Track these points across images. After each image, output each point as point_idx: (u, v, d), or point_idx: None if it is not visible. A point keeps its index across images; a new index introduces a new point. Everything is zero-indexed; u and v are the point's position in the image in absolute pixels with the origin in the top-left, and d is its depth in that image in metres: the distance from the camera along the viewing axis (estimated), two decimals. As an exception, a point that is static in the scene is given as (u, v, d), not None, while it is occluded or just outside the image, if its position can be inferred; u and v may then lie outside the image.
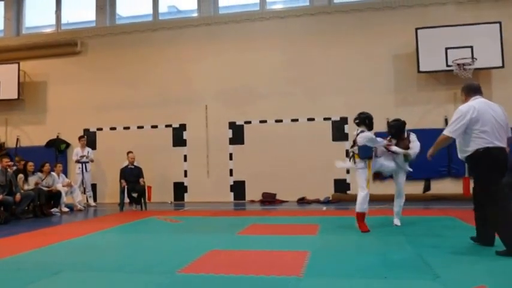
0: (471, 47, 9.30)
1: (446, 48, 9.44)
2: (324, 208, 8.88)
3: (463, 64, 9.18)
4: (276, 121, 10.52)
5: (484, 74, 9.67)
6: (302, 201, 9.98)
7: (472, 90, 4.47)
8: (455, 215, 6.78)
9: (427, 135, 9.98)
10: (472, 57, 9.21)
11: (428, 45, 9.56)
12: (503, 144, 4.24)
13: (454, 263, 3.91)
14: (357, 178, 5.64)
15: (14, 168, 8.73)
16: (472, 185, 4.74)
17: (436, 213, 7.34)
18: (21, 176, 8.55)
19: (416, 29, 9.70)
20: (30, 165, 8.79)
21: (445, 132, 4.39)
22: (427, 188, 9.49)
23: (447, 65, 9.43)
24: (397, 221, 5.97)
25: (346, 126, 10.30)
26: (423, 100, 9.97)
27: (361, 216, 5.57)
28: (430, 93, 10.00)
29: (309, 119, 10.48)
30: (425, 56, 9.57)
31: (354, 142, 5.60)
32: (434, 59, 9.50)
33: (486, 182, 4.24)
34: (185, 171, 11.02)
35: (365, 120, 5.63)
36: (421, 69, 9.68)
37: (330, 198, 9.95)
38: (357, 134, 5.60)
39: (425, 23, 9.76)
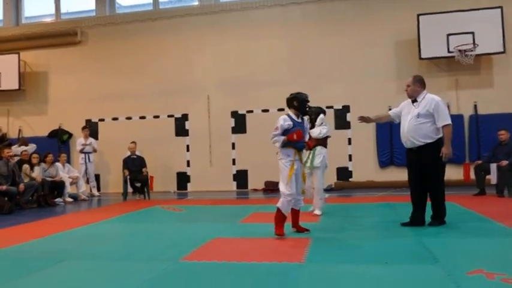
0: (472, 32, 9.23)
1: (448, 35, 9.37)
2: (327, 196, 8.89)
3: (465, 50, 9.13)
4: (279, 110, 10.48)
5: (485, 59, 9.62)
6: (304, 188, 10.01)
7: (424, 84, 4.95)
8: (455, 201, 6.82)
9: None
10: (474, 43, 9.15)
11: (429, 31, 9.48)
12: None
13: (453, 248, 3.97)
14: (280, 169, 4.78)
15: (17, 158, 8.79)
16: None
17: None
18: (26, 166, 8.60)
19: (418, 15, 9.61)
20: (35, 157, 8.85)
21: (450, 122, 4.82)
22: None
23: (448, 51, 9.38)
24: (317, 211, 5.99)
25: (348, 114, 10.29)
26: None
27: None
28: (431, 79, 9.84)
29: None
30: (427, 42, 9.51)
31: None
32: (435, 46, 9.44)
33: (442, 164, 4.89)
34: (188, 161, 11.06)
35: (292, 102, 4.75)
36: (423, 55, 9.62)
37: (333, 186, 9.99)
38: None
39: (427, 9, 9.67)
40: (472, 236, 4.47)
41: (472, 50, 9.09)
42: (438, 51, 9.47)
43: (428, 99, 4.87)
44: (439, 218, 4.90)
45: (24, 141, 10.49)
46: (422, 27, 9.56)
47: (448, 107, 9.72)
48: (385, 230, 4.87)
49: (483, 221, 5.30)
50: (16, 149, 9.82)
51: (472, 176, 8.35)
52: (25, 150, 9.25)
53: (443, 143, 4.80)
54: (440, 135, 4.82)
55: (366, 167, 10.11)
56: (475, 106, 9.75)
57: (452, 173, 9.63)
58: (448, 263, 3.40)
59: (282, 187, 4.61)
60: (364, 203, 7.48)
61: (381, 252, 3.89)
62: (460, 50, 9.14)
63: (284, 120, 4.64)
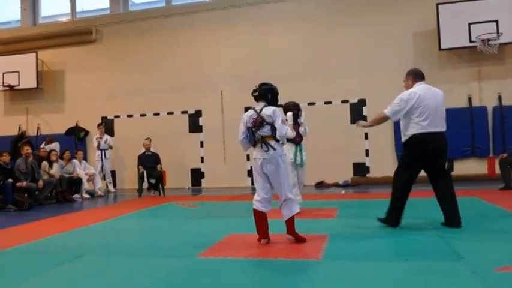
0: (496, 21, 8.90)
1: (470, 24, 9.06)
2: (343, 192, 8.78)
3: (488, 39, 8.81)
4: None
5: (510, 48, 9.28)
6: (320, 185, 9.90)
7: (418, 76, 4.62)
8: (480, 196, 6.61)
9: (451, 115, 9.75)
10: (497, 32, 8.82)
11: (450, 21, 9.19)
12: (440, 129, 4.48)
13: (478, 244, 3.80)
14: (280, 167, 4.10)
15: (34, 153, 8.93)
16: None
17: (459, 194, 7.02)
18: (45, 163, 8.74)
19: (438, 5, 9.33)
20: (54, 154, 8.97)
21: (386, 112, 4.54)
22: (449, 168, 9.26)
23: (470, 41, 9.07)
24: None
25: (364, 108, 10.09)
26: (445, 79, 9.62)
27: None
28: (452, 71, 9.66)
29: (326, 102, 10.31)
30: (447, 32, 9.22)
31: (262, 120, 4.05)
32: (456, 36, 9.14)
33: (404, 162, 4.57)
34: (202, 157, 11.05)
35: (263, 92, 4.19)
36: (443, 46, 9.34)
37: (349, 182, 9.84)
38: (260, 110, 4.09)
39: (447, -2, 9.38)
40: (497, 232, 4.30)
41: (495, 39, 8.77)
42: (459, 41, 9.18)
43: None
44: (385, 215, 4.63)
45: (51, 140, 10.69)
46: (442, 16, 9.27)
47: (470, 99, 9.52)
48: (403, 227, 4.71)
49: (509, 216, 5.10)
50: (47, 146, 10.11)
51: (497, 170, 8.09)
52: (54, 150, 9.38)
53: (415, 142, 4.42)
54: (412, 132, 4.42)
55: (384, 163, 9.89)
56: (499, 97, 9.42)
57: (476, 167, 9.39)
58: (473, 260, 3.26)
59: (291, 193, 4.10)
60: (382, 199, 7.28)
61: (400, 249, 3.77)
62: (482, 40, 8.82)
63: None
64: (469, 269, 3.06)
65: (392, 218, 4.58)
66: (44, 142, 10.72)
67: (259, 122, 4.03)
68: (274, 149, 4.00)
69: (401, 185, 4.57)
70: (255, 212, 4.09)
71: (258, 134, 4.04)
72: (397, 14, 9.90)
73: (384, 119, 4.63)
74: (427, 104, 4.41)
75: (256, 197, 4.12)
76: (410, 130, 4.45)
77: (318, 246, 3.87)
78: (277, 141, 4.03)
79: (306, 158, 5.87)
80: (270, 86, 4.23)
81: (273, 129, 3.99)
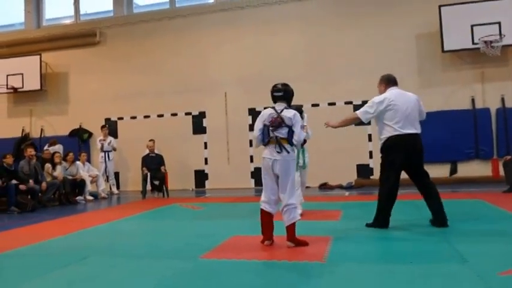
0: (499, 23, 8.90)
1: (472, 26, 9.05)
2: (347, 193, 8.77)
3: (491, 41, 8.80)
4: (296, 106, 10.40)
5: (513, 50, 9.26)
6: (324, 186, 9.89)
7: (390, 82, 4.87)
8: (484, 198, 6.58)
9: (454, 117, 9.78)
10: (500, 34, 8.80)
11: (452, 23, 9.19)
12: (413, 130, 4.57)
13: (482, 248, 3.78)
14: (290, 171, 4.04)
15: (37, 156, 8.95)
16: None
17: (463, 197, 7.14)
18: (48, 165, 8.76)
19: (440, 6, 9.32)
20: (57, 156, 9.00)
21: (358, 113, 4.73)
22: (453, 170, 9.25)
23: (473, 43, 9.06)
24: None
25: (367, 109, 10.07)
26: (448, 80, 9.63)
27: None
28: (455, 73, 9.65)
29: (329, 104, 10.30)
30: (450, 34, 9.21)
31: (282, 121, 3.97)
32: (459, 37, 9.14)
33: (387, 165, 4.64)
34: (205, 159, 11.07)
35: (289, 95, 4.15)
36: (446, 48, 9.33)
37: (353, 184, 9.82)
38: (281, 111, 4.02)
39: (449, 0, 9.37)
40: (501, 234, 4.27)
41: (498, 41, 8.76)
42: (462, 43, 9.17)
43: None
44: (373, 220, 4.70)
45: (55, 142, 10.74)
46: (445, 18, 9.27)
47: (473, 100, 9.49)
48: (408, 229, 4.70)
49: (513, 219, 5.06)
50: (50, 148, 10.15)
51: (501, 172, 8.06)
52: (58, 152, 9.42)
53: (391, 143, 4.56)
54: (386, 135, 4.58)
55: (387, 164, 9.87)
56: (503, 99, 9.38)
57: (480, 169, 9.36)
58: (478, 263, 3.24)
59: (296, 197, 4.05)
60: (386, 200, 7.29)
61: (405, 252, 3.75)
62: (485, 41, 8.81)
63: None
64: (474, 272, 3.05)
65: (380, 221, 4.67)
66: (47, 144, 10.77)
67: (278, 122, 3.96)
68: (288, 152, 3.97)
69: (387, 190, 4.68)
70: (263, 212, 4.07)
71: (274, 134, 3.99)
72: (400, 16, 9.90)
73: (354, 119, 4.81)
74: (398, 108, 4.57)
75: (263, 197, 4.10)
76: (384, 133, 4.63)
77: (322, 249, 3.86)
78: (291, 144, 4.00)
79: (308, 160, 5.91)
80: (291, 88, 4.19)
81: (290, 132, 3.96)
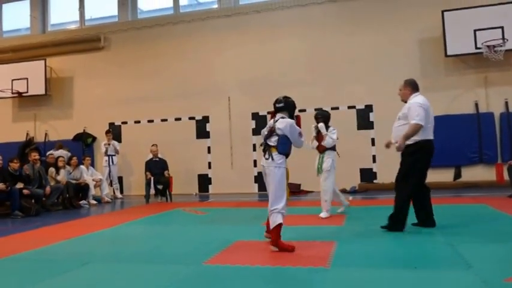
0: (502, 27, 8.89)
1: (475, 30, 9.04)
2: (350, 198, 8.73)
3: (494, 46, 8.79)
4: (300, 111, 10.34)
5: (516, 55, 9.23)
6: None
7: (416, 87, 4.88)
8: (488, 203, 6.54)
9: (457, 121, 9.74)
10: (503, 38, 8.79)
11: (455, 27, 9.19)
12: (432, 137, 4.75)
13: (487, 253, 3.77)
14: (275, 178, 4.17)
15: (42, 159, 9.00)
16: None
17: (467, 201, 7.11)
18: (52, 169, 8.80)
19: (443, 12, 9.33)
20: (61, 160, 9.04)
21: (418, 122, 4.56)
22: (457, 175, 9.21)
23: (476, 48, 9.05)
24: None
25: (371, 114, 10.08)
26: (452, 85, 9.62)
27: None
28: (458, 77, 9.64)
29: (332, 108, 10.26)
30: (453, 39, 9.22)
31: (271, 131, 4.21)
32: (462, 42, 9.14)
33: (415, 169, 4.66)
34: (209, 163, 11.08)
35: (290, 106, 4.34)
36: (449, 53, 9.33)
37: (356, 188, 9.80)
38: (276, 121, 4.24)
39: (452, 5, 9.38)
40: (506, 240, 4.24)
41: (501, 46, 8.75)
42: (465, 48, 9.16)
43: (409, 101, 4.79)
44: (389, 221, 4.72)
45: (61, 146, 10.78)
46: (448, 23, 9.27)
47: (477, 105, 9.47)
48: (413, 234, 4.68)
49: (518, 224, 5.03)
50: (55, 152, 10.20)
51: (506, 176, 8.02)
52: (61, 156, 9.45)
53: (421, 146, 4.63)
54: (421, 138, 4.61)
55: (391, 168, 9.75)
56: (506, 103, 9.36)
57: (484, 173, 9.31)
58: (482, 269, 3.22)
59: (281, 203, 4.10)
60: (390, 205, 7.24)
61: (410, 257, 3.74)
62: (488, 46, 8.80)
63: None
64: (479, 278, 3.03)
65: (398, 224, 4.68)
66: (54, 148, 10.81)
67: (269, 131, 4.23)
68: (273, 159, 4.15)
69: (409, 194, 4.69)
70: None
71: (266, 142, 4.24)
72: (403, 21, 9.91)
73: (418, 129, 4.57)
74: (430, 114, 4.70)
75: None
76: (415, 136, 4.59)
77: (326, 254, 3.85)
78: (279, 152, 4.17)
79: (326, 165, 6.01)
80: (292, 100, 4.39)
81: (279, 140, 4.14)
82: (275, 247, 4.09)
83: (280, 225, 4.09)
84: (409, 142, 4.64)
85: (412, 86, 4.89)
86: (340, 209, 6.30)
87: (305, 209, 7.20)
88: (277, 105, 4.34)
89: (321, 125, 6.05)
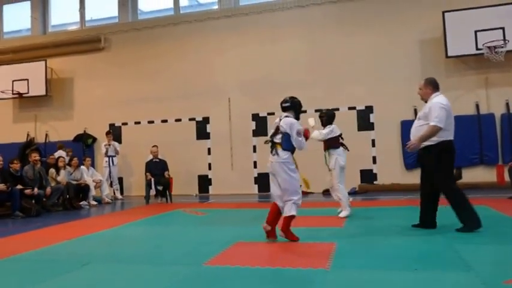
0: (503, 28, 8.89)
1: (476, 31, 9.05)
2: (350, 199, 8.68)
3: (494, 47, 8.79)
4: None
5: (517, 56, 9.23)
6: (328, 192, 9.81)
7: (437, 86, 4.80)
8: (489, 204, 6.53)
9: (458, 122, 9.68)
10: (504, 39, 8.79)
11: (456, 28, 9.20)
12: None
13: (487, 255, 3.77)
14: (281, 172, 4.50)
15: (42, 160, 9.00)
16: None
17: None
18: (52, 170, 8.80)
19: (444, 12, 9.33)
20: (61, 161, 9.04)
21: (437, 124, 4.50)
22: (458, 176, 9.18)
23: (477, 49, 9.06)
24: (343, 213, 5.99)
25: (371, 115, 10.08)
26: (452, 86, 9.58)
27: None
28: (459, 78, 9.63)
29: (333, 109, 10.26)
30: (454, 40, 9.22)
31: (277, 129, 4.57)
32: (463, 43, 9.14)
33: (447, 170, 4.66)
34: (209, 164, 11.08)
35: (296, 105, 4.68)
36: (450, 54, 9.33)
37: (356, 189, 9.79)
38: (281, 120, 4.61)
39: (453, 6, 9.38)
40: (507, 242, 4.24)
41: (502, 46, 8.75)
42: (466, 49, 9.17)
43: (431, 101, 4.72)
44: (462, 224, 4.67)
45: (62, 146, 10.79)
46: (448, 24, 9.27)
47: (477, 106, 9.46)
48: (413, 235, 4.68)
49: (519, 225, 5.02)
50: (57, 152, 10.19)
51: (506, 178, 8.01)
52: (62, 156, 9.45)
53: (445, 147, 4.61)
54: (441, 139, 4.58)
55: (391, 169, 9.85)
56: (507, 104, 9.36)
57: (485, 175, 9.31)
58: (483, 271, 3.22)
59: (297, 195, 4.45)
60: (390, 206, 7.28)
61: (410, 258, 3.73)
62: (489, 47, 8.80)
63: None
64: (479, 280, 3.02)
65: (474, 222, 4.59)
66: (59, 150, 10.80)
67: (275, 129, 4.59)
68: (278, 155, 4.48)
69: (461, 195, 4.63)
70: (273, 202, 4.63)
71: (272, 140, 4.59)
72: (404, 22, 9.92)
73: (436, 131, 4.54)
74: (451, 114, 4.66)
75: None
76: (438, 136, 4.57)
77: (326, 255, 3.85)
78: (283, 149, 4.48)
79: (331, 164, 6.06)
80: (298, 100, 4.73)
81: (284, 138, 4.48)
82: (283, 233, 4.40)
83: (293, 216, 4.39)
84: (429, 143, 4.59)
85: (433, 85, 4.80)
86: (340, 211, 6.16)
87: (305, 210, 7.18)
88: (283, 104, 4.67)
89: (310, 119, 6.09)
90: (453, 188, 4.67)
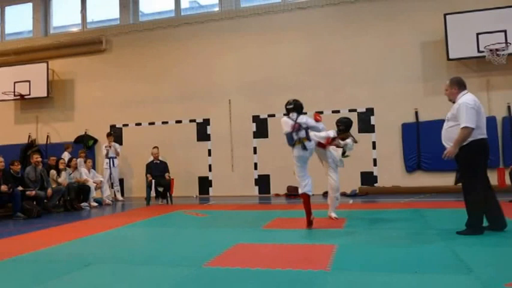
0: (504, 31, 8.88)
1: (478, 34, 9.04)
2: (351, 201, 8.72)
3: (496, 49, 8.78)
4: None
5: (518, 59, 9.23)
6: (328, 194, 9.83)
7: (463, 85, 4.71)
8: (489, 208, 6.49)
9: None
10: (506, 42, 8.79)
11: (457, 31, 9.19)
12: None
13: (488, 257, 3.75)
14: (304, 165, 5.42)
15: (44, 161, 9.01)
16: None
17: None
18: (53, 171, 8.82)
19: (445, 15, 9.34)
20: (62, 162, 9.06)
21: (468, 125, 4.42)
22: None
23: (479, 51, 9.05)
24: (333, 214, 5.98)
25: (372, 117, 10.07)
26: (453, 89, 9.60)
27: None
28: (460, 81, 9.61)
29: (333, 111, 10.30)
30: (455, 42, 9.22)
31: (300, 126, 5.30)
32: (464, 46, 9.14)
33: (477, 170, 4.56)
34: (210, 166, 11.08)
35: (298, 107, 5.47)
36: (451, 56, 9.33)
37: (357, 191, 9.78)
38: (297, 117, 5.39)
39: (454, 8, 9.39)
40: (508, 245, 4.23)
41: (504, 49, 8.74)
42: (467, 51, 9.16)
43: (458, 101, 4.63)
44: (466, 227, 4.64)
45: (69, 146, 10.80)
46: (450, 27, 9.28)
47: (479, 108, 9.45)
48: (413, 238, 4.68)
49: (520, 228, 5.00)
50: (64, 154, 10.23)
51: (507, 181, 7.99)
52: (62, 158, 9.45)
53: (477, 147, 4.51)
54: (473, 138, 4.48)
55: (392, 172, 9.84)
56: (509, 107, 9.36)
57: (484, 177, 9.27)
58: (484, 274, 3.20)
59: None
60: (391, 209, 7.26)
61: (410, 261, 3.72)
62: (491, 50, 8.80)
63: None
64: (480, 283, 3.01)
65: (475, 228, 4.56)
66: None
67: (297, 128, 5.28)
68: (306, 149, 5.32)
69: (483, 195, 4.53)
70: (306, 196, 5.31)
71: (297, 137, 5.28)
72: (405, 24, 9.93)
73: (469, 133, 4.46)
74: (482, 112, 4.57)
75: (302, 183, 5.35)
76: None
77: (326, 257, 3.84)
78: (310, 140, 5.33)
79: (337, 160, 6.21)
80: (300, 102, 5.51)
81: (307, 132, 5.29)
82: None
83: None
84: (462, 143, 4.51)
85: (458, 85, 4.68)
86: (330, 211, 6.06)
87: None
88: (288, 106, 5.47)
89: (331, 131, 6.16)
90: (476, 189, 4.53)
